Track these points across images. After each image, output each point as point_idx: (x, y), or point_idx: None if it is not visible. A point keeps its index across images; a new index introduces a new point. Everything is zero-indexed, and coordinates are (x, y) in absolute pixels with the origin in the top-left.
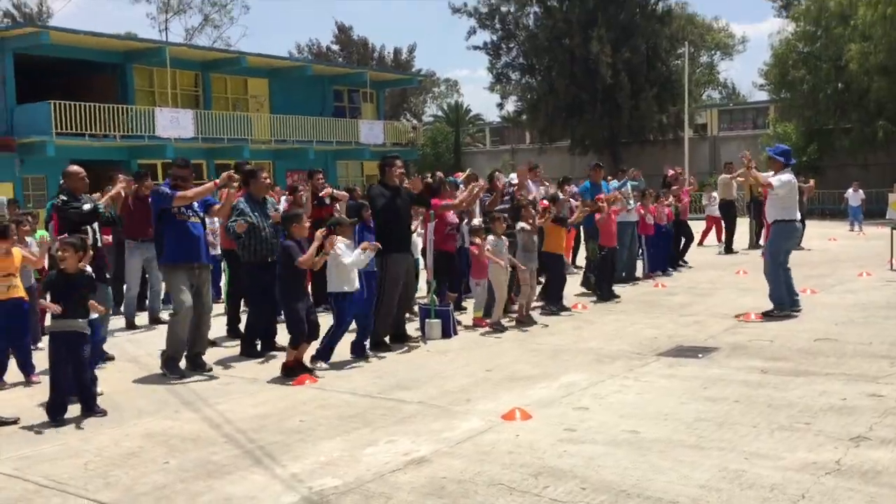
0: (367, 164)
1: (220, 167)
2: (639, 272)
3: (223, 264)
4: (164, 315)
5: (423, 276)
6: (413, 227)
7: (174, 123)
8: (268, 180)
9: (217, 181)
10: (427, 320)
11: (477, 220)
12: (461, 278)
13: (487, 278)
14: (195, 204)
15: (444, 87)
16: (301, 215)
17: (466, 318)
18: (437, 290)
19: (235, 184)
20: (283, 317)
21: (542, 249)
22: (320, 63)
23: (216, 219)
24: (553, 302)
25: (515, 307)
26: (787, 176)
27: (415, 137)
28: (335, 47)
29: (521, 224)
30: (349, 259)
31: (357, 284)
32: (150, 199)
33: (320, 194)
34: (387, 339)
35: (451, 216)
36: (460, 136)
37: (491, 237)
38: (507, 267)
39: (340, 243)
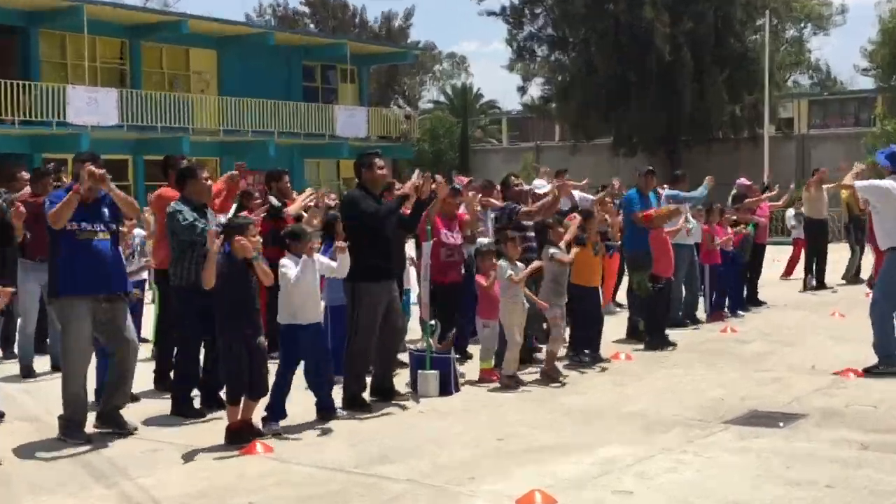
0: (344, 164)
1: (152, 165)
2: (700, 312)
3: (153, 293)
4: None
5: (415, 314)
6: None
7: (91, 106)
8: (209, 182)
9: (78, 186)
10: (420, 372)
11: (484, 240)
12: (466, 317)
13: (499, 318)
14: (106, 213)
15: (449, 65)
16: (248, 225)
17: (472, 368)
18: (435, 333)
19: (93, 185)
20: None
21: (570, 280)
22: (285, 31)
23: (136, 233)
24: (585, 349)
25: (540, 355)
26: (885, 182)
27: (409, 129)
28: (305, 10)
29: (551, 250)
30: (294, 272)
31: (314, 315)
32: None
33: (310, 203)
34: (366, 394)
35: (451, 235)
36: (468, 129)
37: (503, 262)
38: (525, 304)
39: (287, 259)
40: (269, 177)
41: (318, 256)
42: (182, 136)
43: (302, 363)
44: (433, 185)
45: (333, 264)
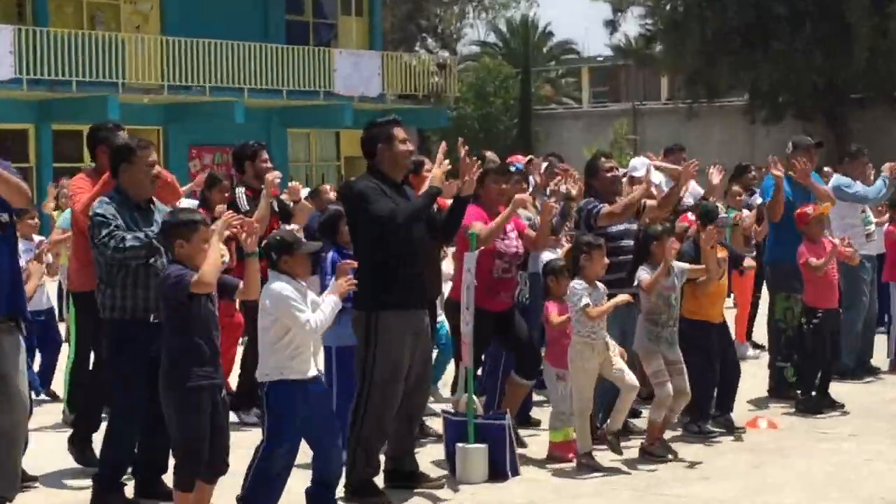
0: (348, 136)
1: (65, 138)
2: (881, 356)
3: (67, 325)
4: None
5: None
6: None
7: None
8: (155, 164)
9: None
10: (461, 446)
11: (549, 255)
12: (531, 362)
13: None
14: None
15: None
16: (197, 222)
17: (537, 441)
18: (480, 386)
19: None
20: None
21: (681, 314)
22: None
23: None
24: (707, 413)
25: (640, 423)
26: None
27: (443, 84)
28: None
29: (641, 274)
30: (314, 318)
31: (313, 368)
32: None
33: (289, 186)
34: (378, 478)
35: (506, 242)
36: (531, 84)
37: (577, 284)
38: (609, 346)
39: (281, 281)
40: (240, 155)
41: (325, 296)
42: (108, 96)
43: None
44: (474, 169)
45: (329, 306)
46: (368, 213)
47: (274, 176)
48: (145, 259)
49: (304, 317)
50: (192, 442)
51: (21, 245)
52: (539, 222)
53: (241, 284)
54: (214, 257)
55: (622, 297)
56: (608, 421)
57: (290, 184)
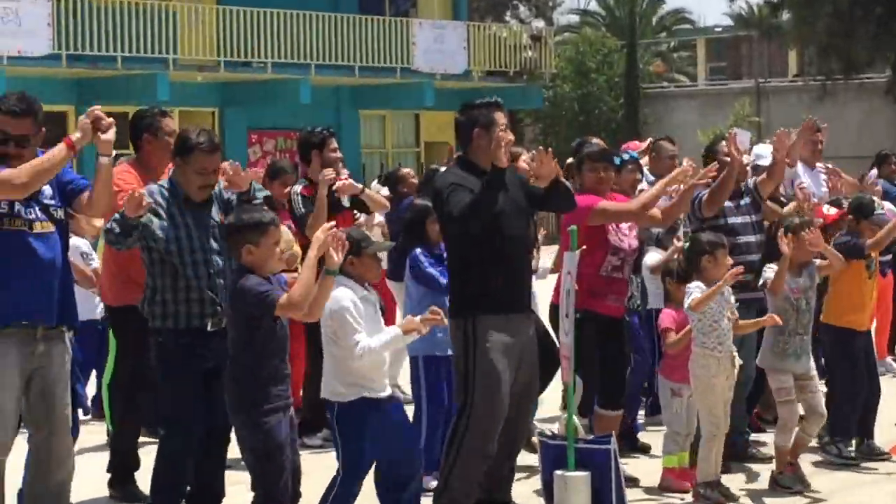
0: (428, 119)
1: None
2: None
3: (108, 336)
4: None
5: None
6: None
7: (9, 26)
8: (206, 150)
9: (72, 137)
10: (559, 474)
11: (655, 256)
12: (639, 378)
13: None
14: (46, 192)
15: None
16: (266, 223)
17: (649, 467)
18: (583, 406)
19: (106, 134)
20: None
21: (821, 319)
22: None
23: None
24: (847, 436)
25: (766, 450)
26: None
27: (537, 59)
28: None
29: (767, 273)
30: (360, 338)
31: (387, 386)
32: None
33: (336, 186)
34: None
35: (617, 236)
36: (638, 59)
37: (695, 287)
38: (736, 361)
39: (345, 287)
40: (306, 143)
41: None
42: (157, 74)
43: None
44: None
45: (396, 338)
46: (447, 209)
47: (328, 175)
48: (125, 243)
49: (356, 338)
50: (266, 461)
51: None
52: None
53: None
54: (308, 277)
55: (769, 320)
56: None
57: (338, 183)
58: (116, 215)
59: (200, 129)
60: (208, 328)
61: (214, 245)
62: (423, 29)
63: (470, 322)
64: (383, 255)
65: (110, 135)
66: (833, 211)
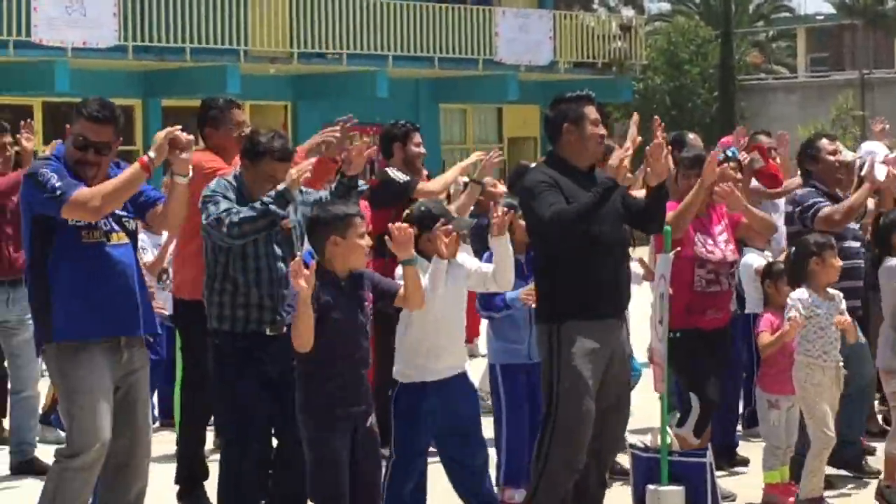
0: (511, 112)
1: (173, 113)
2: None
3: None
4: (46, 453)
5: (642, 381)
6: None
7: (73, 16)
8: (277, 158)
9: (145, 157)
10: (652, 488)
11: (756, 258)
12: (735, 389)
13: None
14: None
15: None
16: (353, 214)
17: (747, 480)
18: (679, 418)
19: (184, 153)
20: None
21: None
22: None
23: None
24: None
25: (875, 463)
26: None
27: (627, 50)
28: None
29: (889, 264)
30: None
31: (455, 361)
32: (20, 193)
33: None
34: None
35: (708, 247)
36: (733, 50)
37: (800, 294)
38: (841, 369)
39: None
40: (388, 136)
41: (463, 257)
42: (227, 66)
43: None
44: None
45: (487, 268)
46: (537, 213)
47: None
48: (267, 232)
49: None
50: (333, 485)
51: (147, 238)
52: None
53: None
54: (416, 284)
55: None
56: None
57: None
58: (257, 209)
59: (275, 133)
60: (267, 332)
61: (278, 251)
62: (506, 18)
63: (555, 328)
64: None
65: (188, 154)
66: None
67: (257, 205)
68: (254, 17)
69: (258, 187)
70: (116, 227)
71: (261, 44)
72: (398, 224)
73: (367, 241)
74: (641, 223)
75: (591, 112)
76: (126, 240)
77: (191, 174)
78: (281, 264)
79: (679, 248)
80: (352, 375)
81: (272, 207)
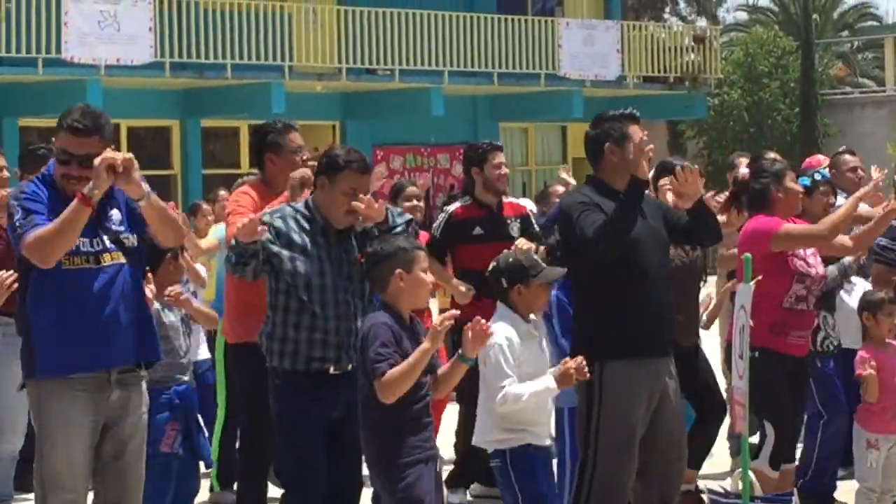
0: (576, 131)
1: (213, 134)
2: None
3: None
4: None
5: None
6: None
7: (106, 31)
8: (358, 170)
9: (84, 190)
10: None
11: (863, 285)
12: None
13: None
14: (115, 218)
15: None
16: (415, 247)
17: None
18: (755, 454)
19: (127, 176)
20: None
21: None
22: None
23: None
24: None
25: None
26: None
27: (701, 63)
28: None
29: None
30: (508, 382)
31: (547, 432)
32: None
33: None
34: None
35: (804, 261)
36: (815, 62)
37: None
38: None
39: (505, 322)
40: (466, 160)
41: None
42: (271, 83)
43: None
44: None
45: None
46: (578, 234)
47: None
48: (246, 272)
49: (503, 382)
50: None
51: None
52: None
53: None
54: (413, 368)
55: None
56: None
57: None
58: (233, 242)
59: (350, 148)
60: (331, 371)
61: (352, 284)
62: (570, 29)
63: (597, 368)
64: None
65: (134, 175)
66: None
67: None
68: (298, 31)
69: (336, 206)
70: (111, 247)
71: (307, 59)
72: (481, 321)
73: (431, 277)
74: (692, 238)
75: (636, 132)
76: (122, 259)
77: (147, 194)
78: (356, 299)
79: (760, 277)
80: (424, 416)
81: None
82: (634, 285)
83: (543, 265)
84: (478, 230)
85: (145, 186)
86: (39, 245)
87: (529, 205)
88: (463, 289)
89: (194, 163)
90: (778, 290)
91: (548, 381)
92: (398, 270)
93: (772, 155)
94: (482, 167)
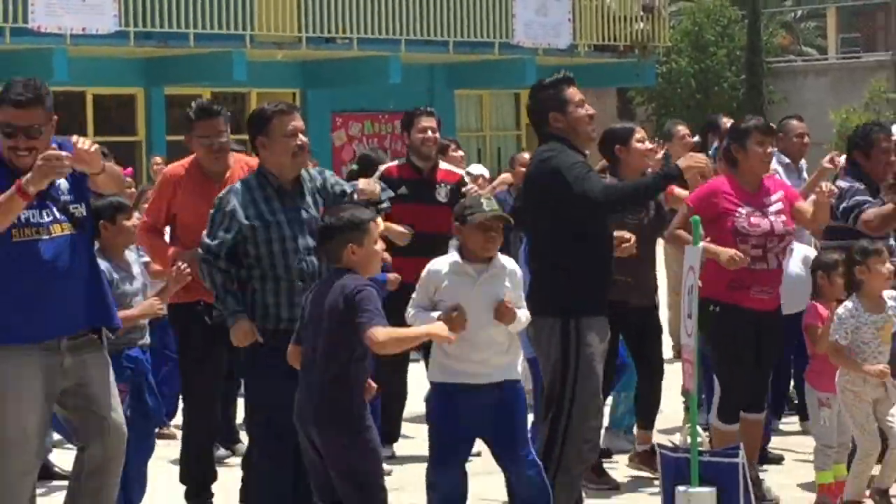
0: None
1: (177, 101)
2: None
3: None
4: None
5: (671, 379)
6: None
7: (70, 1)
8: (298, 133)
9: (22, 180)
10: (682, 489)
11: (807, 251)
12: (780, 381)
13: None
14: (62, 187)
15: None
16: (368, 220)
17: (791, 477)
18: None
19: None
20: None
21: None
22: None
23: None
24: None
25: None
26: None
27: (650, 32)
28: None
29: None
30: (411, 320)
31: (489, 372)
32: None
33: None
34: None
35: (752, 219)
36: (761, 30)
37: (845, 311)
38: (889, 383)
39: (436, 263)
40: (403, 121)
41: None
42: (232, 52)
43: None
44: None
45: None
46: (573, 192)
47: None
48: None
49: (409, 309)
50: (383, 498)
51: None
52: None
53: None
54: (410, 337)
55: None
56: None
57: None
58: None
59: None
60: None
61: (311, 242)
62: (522, 0)
63: (573, 322)
64: None
65: (85, 158)
66: None
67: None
68: (259, 1)
69: (283, 152)
70: (61, 217)
71: (267, 28)
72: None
73: (381, 246)
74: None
75: (574, 94)
76: (72, 230)
77: (100, 165)
78: (313, 258)
79: (709, 238)
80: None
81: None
82: (602, 247)
83: (482, 208)
84: (403, 189)
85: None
86: None
87: (482, 171)
88: (400, 228)
89: (158, 129)
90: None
91: (429, 323)
92: (350, 245)
93: (725, 119)
94: (410, 131)
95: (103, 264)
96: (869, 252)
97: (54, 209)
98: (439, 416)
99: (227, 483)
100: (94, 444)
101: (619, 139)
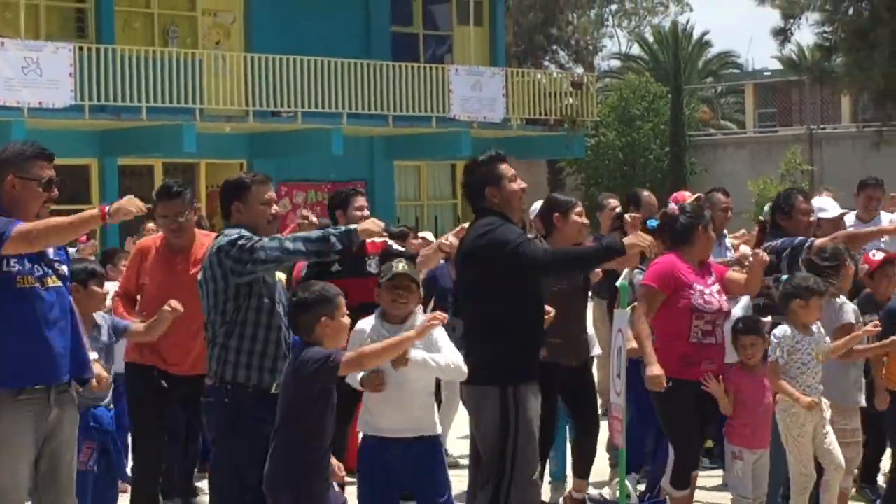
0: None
1: (129, 172)
2: None
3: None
4: None
5: (600, 434)
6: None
7: (30, 75)
8: (273, 202)
9: (106, 207)
10: None
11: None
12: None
13: (767, 448)
14: (50, 251)
15: None
16: (338, 295)
17: None
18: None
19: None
20: None
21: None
22: None
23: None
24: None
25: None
26: None
27: (579, 106)
28: None
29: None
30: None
31: (412, 427)
32: None
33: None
34: None
35: (705, 298)
36: (683, 105)
37: (784, 332)
38: (825, 405)
39: (363, 323)
40: (330, 206)
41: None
42: (183, 125)
43: None
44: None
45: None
46: (517, 257)
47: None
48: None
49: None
50: None
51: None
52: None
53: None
54: (385, 353)
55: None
56: None
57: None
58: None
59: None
60: (272, 390)
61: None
62: (459, 75)
63: (511, 390)
64: None
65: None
66: (879, 256)
67: (317, 231)
68: (209, 77)
69: (259, 219)
70: (49, 271)
71: (216, 102)
72: (437, 317)
73: (347, 319)
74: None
75: (507, 170)
76: (59, 283)
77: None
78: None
79: (635, 304)
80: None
81: (333, 239)
82: (537, 315)
83: (391, 271)
84: (336, 267)
85: None
86: (36, 229)
87: (428, 236)
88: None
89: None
90: (681, 327)
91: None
92: (324, 318)
93: (646, 192)
94: (345, 210)
95: None
96: (812, 292)
97: (44, 265)
98: (364, 467)
99: None
100: (47, 496)
101: (559, 208)
